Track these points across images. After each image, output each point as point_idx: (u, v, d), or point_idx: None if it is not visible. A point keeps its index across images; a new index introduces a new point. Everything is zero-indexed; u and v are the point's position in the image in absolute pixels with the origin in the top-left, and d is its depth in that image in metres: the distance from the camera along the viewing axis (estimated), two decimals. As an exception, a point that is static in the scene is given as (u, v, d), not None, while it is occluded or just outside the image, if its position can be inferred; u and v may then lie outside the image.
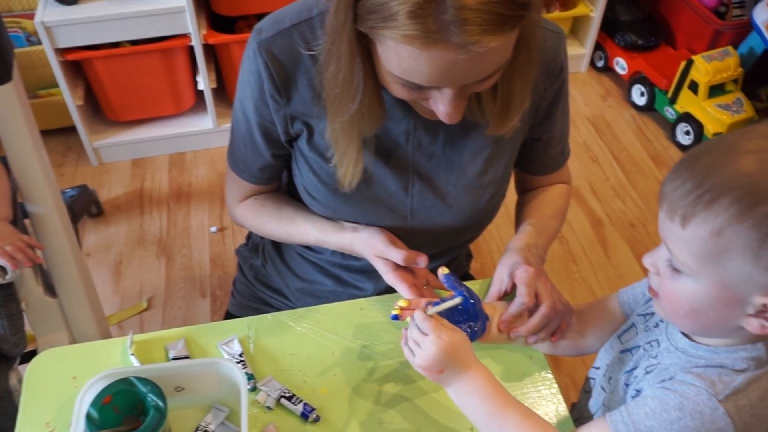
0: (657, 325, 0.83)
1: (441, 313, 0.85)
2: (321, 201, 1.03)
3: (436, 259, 1.15)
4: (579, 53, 2.74)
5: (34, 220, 1.24)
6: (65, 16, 1.97)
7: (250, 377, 0.92)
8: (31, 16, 2.03)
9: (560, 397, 0.93)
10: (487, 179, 1.01)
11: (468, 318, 0.89)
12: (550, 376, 0.96)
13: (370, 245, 0.99)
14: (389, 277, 0.96)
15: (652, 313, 0.85)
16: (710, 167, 0.64)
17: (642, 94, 2.57)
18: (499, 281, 0.97)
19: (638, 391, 0.78)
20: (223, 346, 0.96)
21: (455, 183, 1.00)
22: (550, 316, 0.92)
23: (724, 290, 0.66)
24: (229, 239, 2.15)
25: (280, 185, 1.16)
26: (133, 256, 2.10)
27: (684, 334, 0.76)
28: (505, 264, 0.98)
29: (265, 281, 1.26)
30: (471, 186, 1.01)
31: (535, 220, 1.09)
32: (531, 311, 0.93)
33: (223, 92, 2.39)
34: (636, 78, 2.58)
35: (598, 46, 2.73)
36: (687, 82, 2.35)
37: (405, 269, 0.97)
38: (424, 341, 0.79)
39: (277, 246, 1.22)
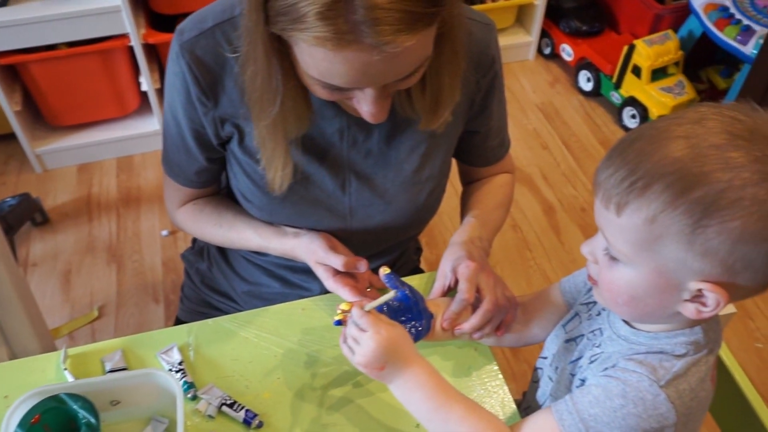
0: (599, 314, 0.84)
1: (385, 313, 0.85)
2: (256, 204, 1.01)
3: (383, 256, 1.15)
4: (526, 41, 2.76)
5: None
6: (-4, 19, 1.91)
7: (190, 386, 0.90)
8: (-40, 21, 1.96)
9: (506, 388, 0.94)
10: (424, 175, 1.01)
11: (411, 317, 0.89)
12: (495, 368, 0.96)
13: (310, 251, 0.98)
14: (330, 284, 0.96)
15: (595, 302, 0.86)
16: (642, 154, 0.64)
17: (588, 80, 2.60)
18: (443, 277, 0.97)
19: (583, 381, 0.79)
20: (162, 355, 0.94)
21: (393, 180, 1.00)
22: (493, 311, 0.92)
23: (661, 277, 0.66)
24: (182, 242, 2.12)
25: (219, 188, 1.14)
26: (82, 264, 2.05)
27: (625, 322, 0.77)
28: (448, 259, 0.98)
29: (212, 285, 1.24)
30: (409, 182, 1.00)
31: (479, 212, 1.09)
32: (475, 306, 0.93)
33: (169, 93, 2.34)
34: (582, 64, 2.61)
35: (544, 34, 2.75)
36: (630, 67, 2.38)
37: (346, 274, 0.97)
38: (362, 338, 0.78)
39: (222, 249, 1.21)
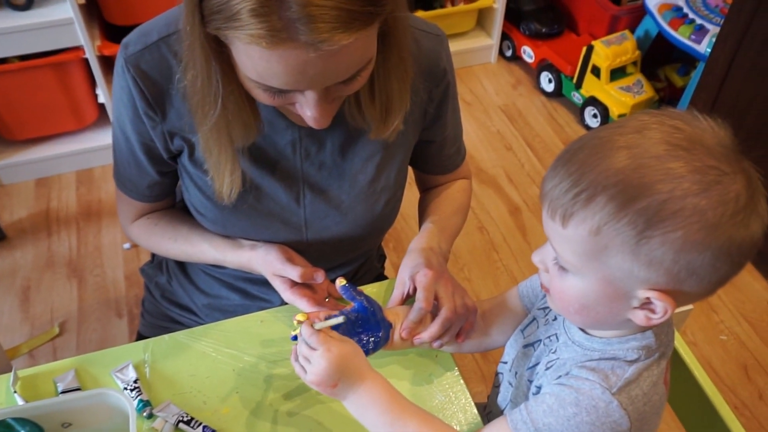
0: (555, 319, 0.84)
1: (343, 325, 0.84)
2: (209, 218, 1.00)
3: (344, 267, 1.14)
4: (487, 44, 2.77)
5: None
6: (-55, 34, 1.87)
7: (146, 404, 0.88)
8: None
9: (468, 394, 0.93)
10: (380, 185, 1.00)
11: (369, 328, 0.88)
12: (456, 374, 0.95)
13: (267, 263, 0.97)
14: (287, 295, 0.95)
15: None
16: (585, 164, 0.63)
17: (550, 81, 2.62)
18: (401, 284, 0.96)
19: (539, 388, 0.79)
20: (117, 373, 0.92)
21: (348, 191, 0.99)
22: (451, 319, 0.91)
23: (609, 286, 0.66)
24: (144, 255, 2.08)
25: (173, 202, 1.12)
26: (41, 280, 2.01)
27: (579, 328, 0.77)
28: (406, 266, 0.97)
29: (172, 299, 1.22)
30: (364, 193, 0.99)
31: (437, 218, 1.09)
32: (433, 314, 0.92)
33: (127, 104, 2.31)
34: (543, 65, 2.63)
35: (505, 37, 2.77)
36: (589, 67, 2.40)
37: (304, 285, 0.96)
38: (313, 356, 0.77)
39: (181, 263, 1.19)
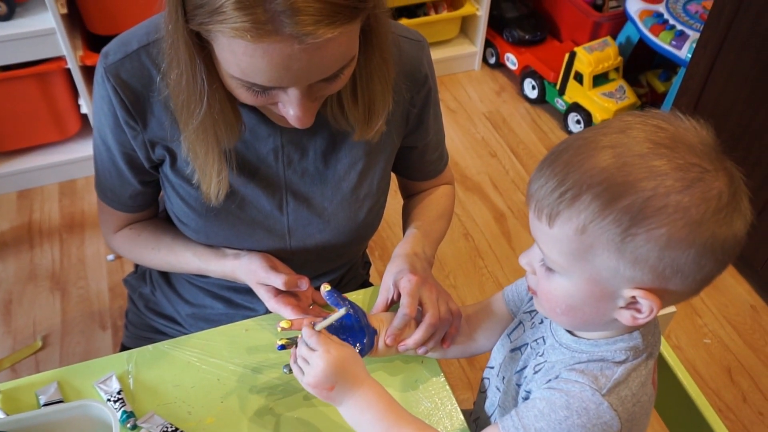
0: (542, 322, 0.84)
1: (328, 330, 0.83)
2: (192, 227, 0.99)
3: (329, 274, 1.14)
4: (471, 51, 2.79)
5: None
6: (-76, 45, 1.85)
7: (130, 415, 0.87)
8: None
9: (454, 400, 0.93)
10: (362, 192, 1.00)
11: (353, 335, 0.88)
12: (442, 380, 0.95)
13: (251, 272, 0.97)
14: (271, 304, 0.94)
15: (537, 310, 0.86)
16: (570, 164, 0.64)
17: (533, 88, 2.64)
18: (385, 290, 0.96)
19: (528, 392, 0.79)
20: (100, 384, 0.91)
21: (331, 198, 0.99)
22: (435, 325, 0.91)
23: (595, 285, 0.67)
24: (128, 266, 2.06)
25: (156, 211, 1.12)
26: (24, 293, 1.99)
27: (566, 330, 0.77)
28: (390, 272, 0.97)
29: (156, 309, 1.21)
30: (347, 200, 0.99)
31: (420, 223, 1.09)
32: (418, 320, 0.92)
33: (111, 114, 2.29)
34: (526, 72, 2.64)
35: (488, 44, 2.79)
36: (572, 74, 2.42)
37: (288, 293, 0.95)
38: (312, 357, 0.77)
39: (164, 273, 1.18)
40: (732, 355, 1.91)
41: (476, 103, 2.71)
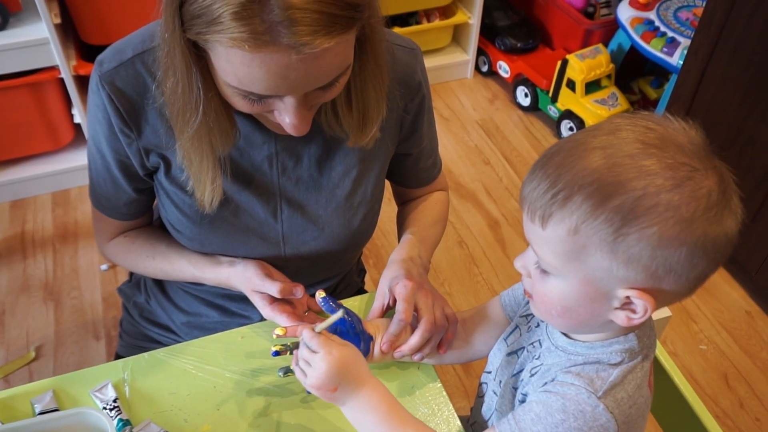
0: (538, 325, 0.84)
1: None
2: (187, 234, 0.99)
3: (324, 282, 1.14)
4: (463, 60, 2.80)
5: None
6: None
7: (126, 423, 0.87)
8: None
9: (450, 406, 0.93)
10: (357, 200, 1.00)
11: (349, 341, 0.87)
12: (439, 386, 0.95)
13: (246, 279, 0.97)
14: (266, 312, 0.94)
15: (533, 314, 0.86)
16: (561, 166, 0.65)
17: (526, 95, 2.65)
18: (381, 296, 0.96)
19: (525, 395, 0.79)
20: (96, 393, 0.91)
21: (326, 206, 0.99)
22: (431, 331, 0.91)
23: (589, 286, 0.67)
24: (122, 276, 2.06)
25: (150, 219, 1.12)
26: (16, 304, 1.97)
27: (562, 332, 0.78)
28: (386, 277, 0.97)
29: (150, 318, 1.21)
30: (342, 208, 0.99)
31: (416, 229, 1.09)
32: (414, 326, 0.92)
33: (104, 124, 2.29)
34: (519, 80, 2.66)
35: (481, 52, 2.80)
36: (565, 81, 2.43)
37: (283, 301, 0.95)
38: (314, 359, 0.77)
39: (159, 281, 1.17)
40: (728, 361, 1.91)
41: (469, 111, 2.72)
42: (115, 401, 0.89)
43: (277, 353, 0.83)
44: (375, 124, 0.89)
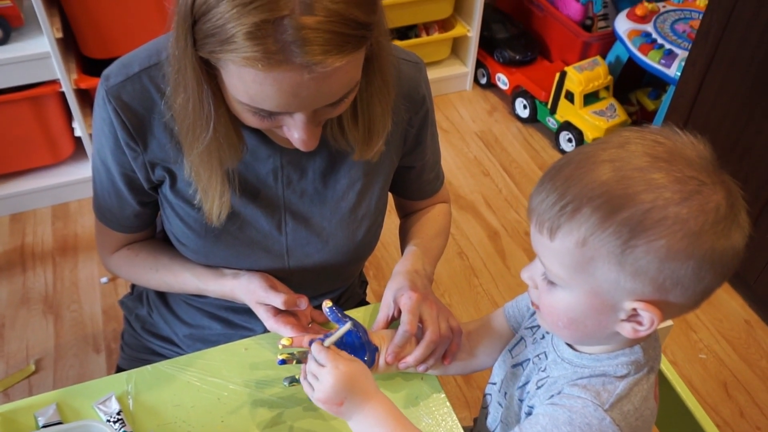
0: (543, 337, 0.84)
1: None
2: (191, 247, 0.99)
3: (327, 294, 1.14)
4: (462, 72, 2.81)
5: None
6: None
7: (130, 436, 0.87)
8: None
9: (454, 416, 0.93)
10: (361, 212, 1.01)
11: (353, 351, 0.87)
12: (443, 396, 0.95)
13: (250, 291, 0.97)
14: (270, 324, 0.94)
15: (539, 325, 0.86)
16: (570, 178, 0.65)
17: (525, 107, 2.66)
18: (386, 307, 0.96)
19: (531, 408, 0.79)
20: (100, 405, 0.91)
21: (330, 218, 0.99)
22: (436, 342, 0.91)
23: (596, 298, 0.67)
24: (122, 289, 2.06)
25: (154, 232, 1.12)
26: (16, 317, 1.97)
27: (568, 344, 0.78)
28: (391, 289, 0.97)
29: (153, 331, 1.21)
30: (346, 220, 1.00)
31: (420, 241, 1.10)
32: (418, 337, 0.92)
33: (104, 137, 2.30)
34: (518, 92, 2.67)
35: (480, 64, 2.81)
36: (563, 93, 2.45)
37: (287, 313, 0.95)
38: (321, 373, 0.77)
39: (161, 293, 1.17)
40: (728, 370, 1.91)
41: (468, 122, 2.73)
42: (119, 414, 0.89)
43: (283, 362, 0.83)
44: (380, 138, 0.90)
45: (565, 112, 2.48)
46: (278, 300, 0.93)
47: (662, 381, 0.97)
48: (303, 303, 0.94)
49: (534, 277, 0.73)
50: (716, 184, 0.63)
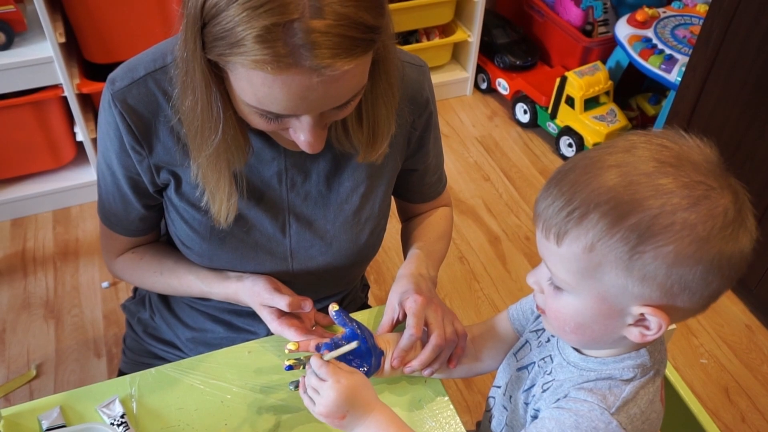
0: (549, 340, 0.84)
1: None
2: (196, 250, 0.99)
3: (330, 297, 1.14)
4: (463, 77, 2.82)
5: None
6: None
7: (134, 439, 0.87)
8: None
9: (458, 419, 0.93)
10: (365, 215, 1.01)
11: (360, 355, 0.88)
12: (446, 399, 0.95)
13: (254, 294, 0.97)
14: (275, 326, 0.94)
15: (544, 329, 0.86)
16: (577, 183, 0.65)
17: (525, 112, 2.67)
18: (391, 310, 0.96)
19: (537, 411, 0.79)
20: (103, 408, 0.90)
21: (333, 221, 0.99)
22: (441, 346, 0.91)
23: (604, 303, 0.67)
24: (123, 293, 2.06)
25: (158, 236, 1.12)
26: (17, 322, 1.97)
27: (574, 348, 0.78)
28: (396, 292, 0.97)
29: (155, 334, 1.21)
30: (350, 223, 1.00)
31: (422, 244, 1.10)
32: (423, 341, 0.92)
33: (106, 141, 2.30)
34: (518, 97, 2.68)
35: (480, 69, 2.82)
36: (564, 98, 2.45)
37: (291, 315, 0.96)
38: (322, 387, 0.77)
39: (164, 297, 1.18)
40: (729, 375, 1.91)
41: (468, 127, 2.74)
42: (122, 417, 0.89)
43: (290, 368, 0.83)
44: (385, 140, 0.90)
45: (566, 117, 2.49)
46: (283, 302, 0.93)
47: (666, 385, 0.97)
48: (307, 305, 0.94)
49: (540, 281, 0.73)
50: (724, 188, 0.63)
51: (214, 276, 1.02)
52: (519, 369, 0.87)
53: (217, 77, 0.77)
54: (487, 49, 2.75)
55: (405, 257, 1.12)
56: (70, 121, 2.15)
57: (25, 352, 1.89)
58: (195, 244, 0.99)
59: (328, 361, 0.79)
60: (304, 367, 0.83)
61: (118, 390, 0.93)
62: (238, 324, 1.12)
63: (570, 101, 2.44)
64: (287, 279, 1.01)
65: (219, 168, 0.86)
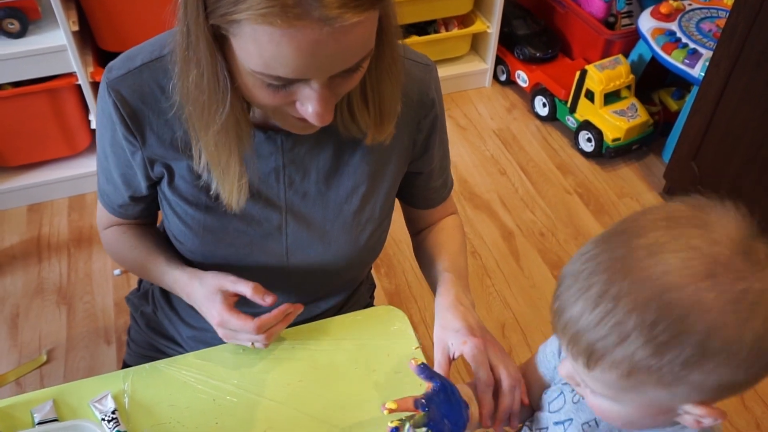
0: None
1: (431, 409, 0.79)
2: (188, 246, 0.98)
3: (331, 296, 1.12)
4: (482, 68, 2.78)
5: None
6: (-62, 60, 1.87)
7: (123, 436, 0.86)
8: None
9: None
10: (365, 217, 0.99)
11: (452, 410, 0.81)
12: None
13: (219, 276, 0.94)
14: (220, 309, 0.91)
15: None
16: (605, 295, 0.59)
17: (544, 105, 2.63)
18: (443, 350, 0.90)
19: None
20: (95, 403, 0.90)
21: (332, 221, 0.97)
22: (513, 386, 0.86)
23: (651, 407, 0.64)
24: (134, 281, 2.06)
25: (147, 222, 1.10)
26: (30, 307, 1.99)
27: None
28: (445, 329, 0.91)
29: (157, 329, 1.20)
30: (349, 224, 0.98)
31: (448, 264, 1.05)
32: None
33: (121, 129, 2.31)
34: (537, 89, 2.63)
35: (499, 61, 2.78)
36: (583, 92, 2.41)
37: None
38: None
39: (166, 293, 1.17)
40: (745, 379, 1.87)
41: (486, 120, 2.70)
42: (113, 412, 0.89)
43: (396, 430, 0.77)
44: (392, 120, 0.87)
45: (585, 111, 2.44)
46: (248, 289, 0.90)
47: None
48: (269, 298, 0.90)
49: (574, 377, 0.68)
50: (765, 280, 0.58)
51: (185, 270, 0.99)
52: (555, 423, 0.82)
53: (222, 46, 0.74)
54: (507, 40, 2.71)
55: (426, 275, 1.08)
56: (85, 108, 2.16)
57: (37, 337, 1.91)
58: (188, 240, 0.97)
59: None
60: (407, 427, 0.77)
61: (112, 385, 0.93)
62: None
63: (590, 95, 2.39)
64: (283, 275, 1.00)
65: (228, 146, 0.82)
